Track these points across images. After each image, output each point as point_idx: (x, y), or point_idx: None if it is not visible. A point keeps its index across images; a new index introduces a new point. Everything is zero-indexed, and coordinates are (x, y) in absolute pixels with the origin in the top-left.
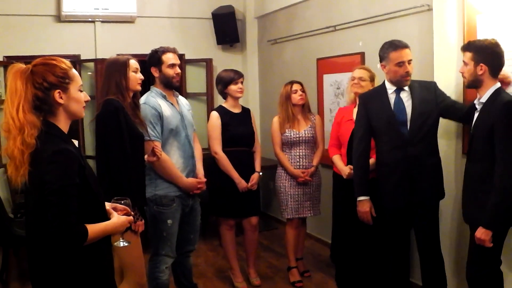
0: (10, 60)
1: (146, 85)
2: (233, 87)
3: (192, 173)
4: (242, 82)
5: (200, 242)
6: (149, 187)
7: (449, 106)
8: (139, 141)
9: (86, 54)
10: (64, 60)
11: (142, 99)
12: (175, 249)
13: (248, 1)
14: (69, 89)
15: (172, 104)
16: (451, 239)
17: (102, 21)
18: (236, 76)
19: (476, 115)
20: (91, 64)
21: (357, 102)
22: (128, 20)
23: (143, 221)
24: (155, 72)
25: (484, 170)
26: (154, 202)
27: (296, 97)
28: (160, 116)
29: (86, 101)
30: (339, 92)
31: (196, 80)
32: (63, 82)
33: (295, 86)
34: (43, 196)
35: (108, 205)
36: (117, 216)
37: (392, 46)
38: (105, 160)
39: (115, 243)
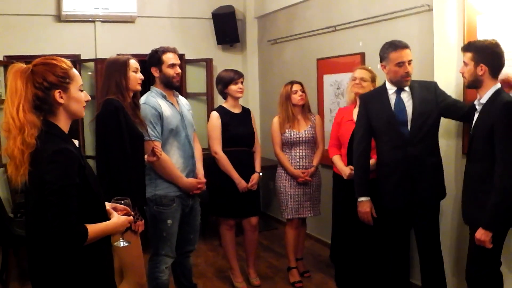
0: (10, 60)
1: (146, 85)
2: (233, 87)
3: (192, 173)
4: (242, 82)
5: (200, 242)
6: (149, 187)
7: (450, 105)
8: (139, 141)
9: (86, 54)
10: (64, 59)
11: (142, 99)
12: (175, 249)
13: (248, 1)
14: (70, 89)
15: (172, 104)
16: (451, 239)
17: (102, 21)
18: (236, 76)
19: (476, 115)
20: (91, 64)
21: (357, 102)
22: (128, 20)
23: (143, 221)
24: (155, 72)
25: (484, 170)
26: (154, 202)
27: (296, 98)
28: (160, 116)
29: (86, 101)
30: (339, 92)
31: (196, 80)
32: (64, 81)
33: (295, 87)
34: (43, 196)
35: (108, 205)
36: (117, 216)
37: (392, 47)
38: (105, 160)
39: (115, 243)
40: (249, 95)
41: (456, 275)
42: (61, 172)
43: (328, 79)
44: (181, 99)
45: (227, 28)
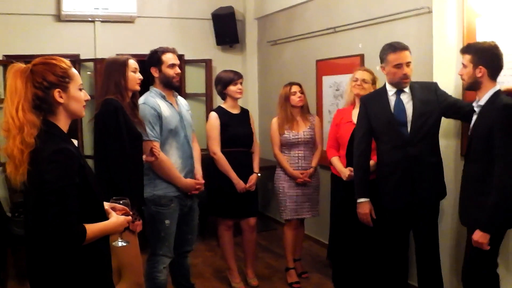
0: (9, 60)
1: (145, 86)
2: (232, 88)
3: (190, 173)
4: (241, 83)
5: (198, 242)
6: (148, 187)
7: (451, 105)
8: (138, 141)
9: (85, 53)
10: (63, 59)
11: (141, 99)
12: (173, 249)
13: (248, 2)
14: (69, 88)
15: (171, 104)
16: (450, 240)
17: (102, 21)
18: (235, 77)
19: (474, 117)
20: (91, 64)
21: (356, 104)
22: (127, 20)
23: (141, 221)
24: (155, 72)
25: (482, 171)
26: (152, 202)
27: (295, 99)
28: (159, 116)
29: (86, 100)
30: (338, 94)
31: (195, 80)
32: (63, 81)
33: (294, 88)
34: (42, 195)
35: (107, 205)
36: (116, 216)
37: (391, 48)
38: (104, 159)
39: (114, 243)
40: (248, 96)
41: (455, 274)
42: (61, 172)
43: (327, 80)
44: (180, 99)
45: (226, 29)
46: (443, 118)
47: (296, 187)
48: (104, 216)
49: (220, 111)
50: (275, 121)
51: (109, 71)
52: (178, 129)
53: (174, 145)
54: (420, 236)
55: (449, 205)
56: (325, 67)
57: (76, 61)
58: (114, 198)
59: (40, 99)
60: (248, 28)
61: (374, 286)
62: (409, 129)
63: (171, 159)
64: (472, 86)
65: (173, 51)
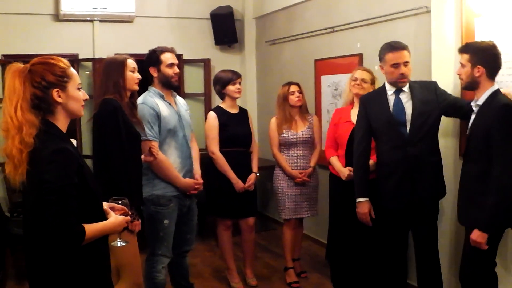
0: (8, 59)
1: (144, 85)
2: (231, 88)
3: (189, 173)
4: (240, 83)
5: (197, 242)
6: (147, 187)
7: (451, 104)
8: (137, 141)
9: (84, 53)
10: (62, 59)
11: (140, 99)
12: (171, 249)
13: (246, 2)
14: (68, 88)
15: (170, 104)
16: (450, 239)
17: (101, 21)
18: (234, 76)
19: (473, 116)
20: (89, 64)
21: (355, 103)
22: (126, 20)
23: (139, 221)
24: (153, 72)
25: (480, 171)
26: (151, 202)
27: (294, 99)
28: (158, 116)
29: (85, 100)
30: (337, 93)
31: (194, 80)
32: (62, 80)
33: (293, 88)
34: (41, 195)
35: (105, 205)
36: (115, 216)
37: (389, 48)
38: (103, 159)
39: (113, 243)
40: (247, 96)
41: (455, 273)
42: (60, 172)
43: (326, 80)
44: (179, 99)
45: (225, 29)
46: (442, 117)
47: (295, 186)
48: (103, 216)
49: (219, 111)
50: (273, 121)
51: (108, 71)
52: (177, 129)
53: (173, 145)
54: (420, 236)
55: (448, 205)
56: (324, 66)
57: (75, 60)
58: (113, 198)
59: (39, 99)
60: (247, 28)
61: (373, 286)
62: (408, 128)
63: (170, 159)
64: (470, 85)
65: (171, 50)
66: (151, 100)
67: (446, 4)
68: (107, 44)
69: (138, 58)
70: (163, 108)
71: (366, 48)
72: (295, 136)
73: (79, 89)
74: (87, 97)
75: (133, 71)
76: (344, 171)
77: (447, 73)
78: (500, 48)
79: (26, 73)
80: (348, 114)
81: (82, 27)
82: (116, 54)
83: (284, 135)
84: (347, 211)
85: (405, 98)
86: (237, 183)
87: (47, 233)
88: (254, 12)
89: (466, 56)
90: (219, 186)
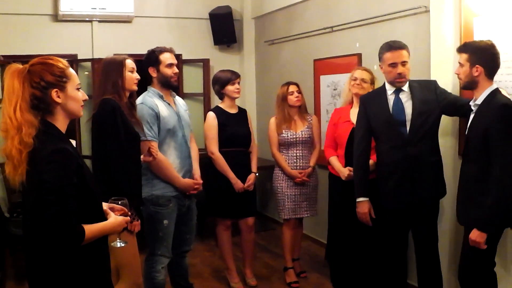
0: (7, 60)
1: (143, 85)
2: (230, 88)
3: (188, 173)
4: (239, 83)
5: (196, 242)
6: (146, 187)
7: (451, 103)
8: (136, 141)
9: (83, 53)
10: (61, 59)
11: (139, 99)
12: (171, 249)
13: (245, 2)
14: (67, 88)
15: (169, 104)
16: (450, 239)
17: (100, 21)
18: (233, 76)
19: (471, 116)
20: (88, 64)
21: (354, 103)
22: (125, 20)
23: (139, 221)
24: (153, 72)
25: (479, 171)
26: (151, 202)
27: (293, 99)
28: (157, 116)
29: (84, 100)
30: (336, 93)
31: (193, 80)
32: (61, 81)
33: (292, 88)
34: (41, 195)
35: (105, 205)
36: (114, 217)
37: (387, 47)
38: (102, 159)
39: (112, 243)
40: (246, 96)
41: (455, 273)
42: (59, 172)
43: (325, 79)
44: (178, 99)
45: (224, 29)
46: (441, 117)
47: (294, 186)
48: (103, 217)
49: (218, 111)
50: (273, 121)
51: (107, 71)
52: (176, 129)
53: (172, 145)
54: (420, 236)
55: (448, 205)
56: (323, 66)
57: (74, 61)
58: (112, 198)
59: (38, 99)
60: (246, 28)
61: (373, 286)
62: (408, 128)
63: (169, 159)
64: (469, 85)
65: (170, 50)
66: (150, 100)
67: (445, 3)
68: (106, 44)
69: (137, 58)
70: (162, 108)
71: (365, 48)
72: (294, 136)
73: (78, 89)
74: (86, 97)
75: (132, 71)
76: (344, 171)
77: (446, 72)
78: (499, 47)
79: (25, 73)
80: (347, 114)
81: (81, 27)
82: (115, 54)
83: (284, 135)
84: (346, 211)
85: (405, 98)
86: (237, 183)
87: (46, 233)
88: (253, 12)
89: (464, 56)
90: (218, 186)
